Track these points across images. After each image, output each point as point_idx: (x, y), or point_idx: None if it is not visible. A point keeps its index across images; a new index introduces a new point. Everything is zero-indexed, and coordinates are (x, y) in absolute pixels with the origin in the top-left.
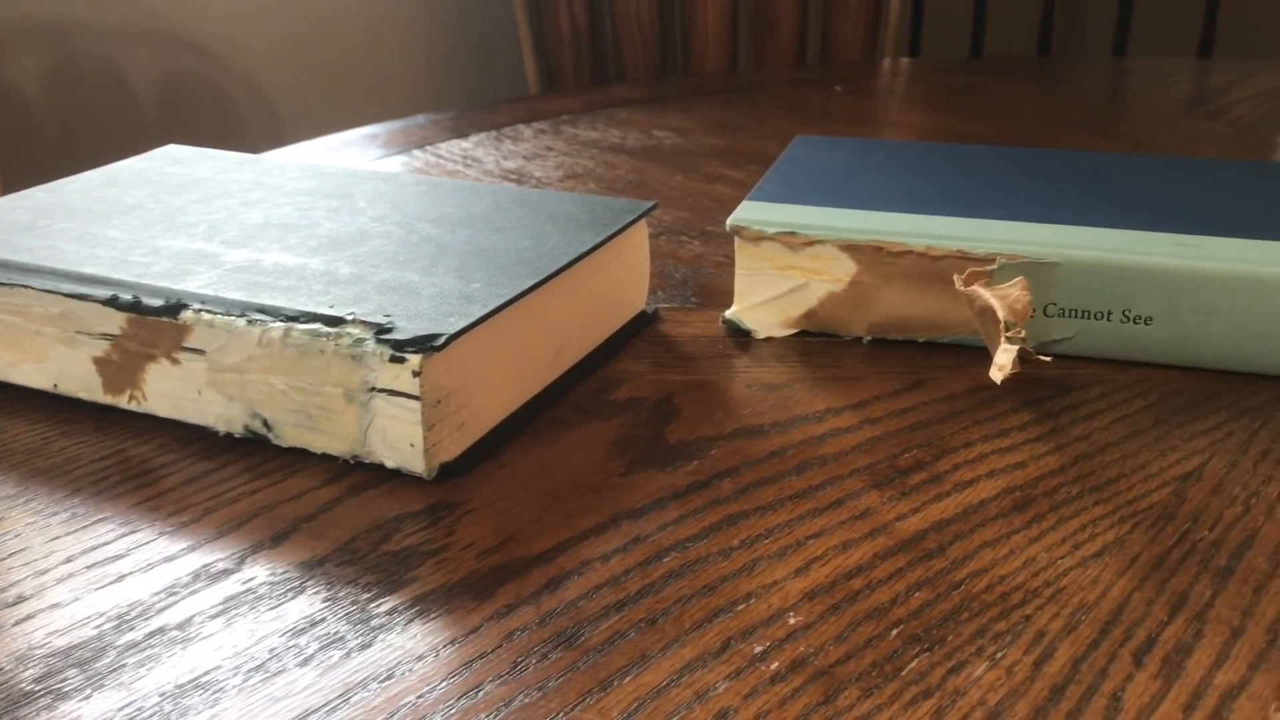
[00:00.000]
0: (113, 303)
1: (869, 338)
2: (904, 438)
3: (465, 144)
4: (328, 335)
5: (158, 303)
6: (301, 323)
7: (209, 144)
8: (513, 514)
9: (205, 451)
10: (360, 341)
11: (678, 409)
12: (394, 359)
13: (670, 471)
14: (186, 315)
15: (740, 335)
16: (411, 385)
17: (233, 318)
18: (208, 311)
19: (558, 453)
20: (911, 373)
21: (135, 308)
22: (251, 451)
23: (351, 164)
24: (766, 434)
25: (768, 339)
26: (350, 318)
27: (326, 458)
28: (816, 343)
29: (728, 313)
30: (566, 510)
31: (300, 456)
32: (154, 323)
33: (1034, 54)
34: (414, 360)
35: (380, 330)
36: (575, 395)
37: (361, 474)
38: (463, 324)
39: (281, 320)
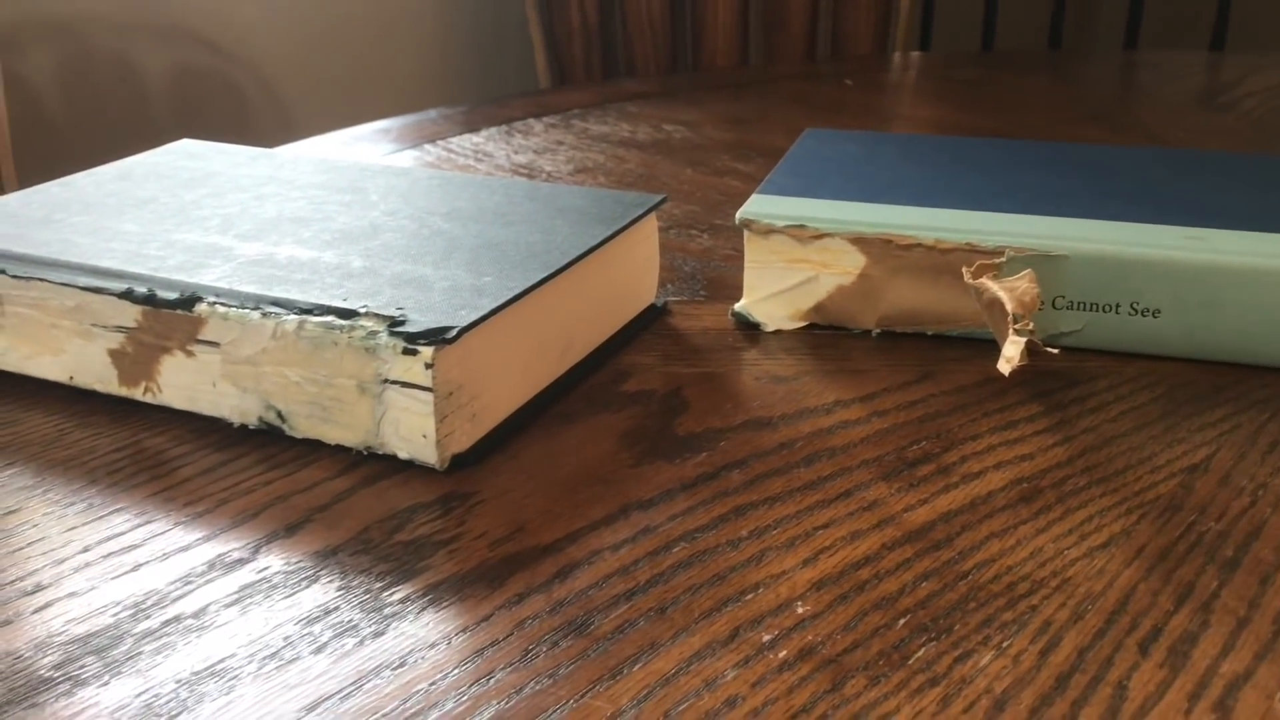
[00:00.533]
0: (128, 296)
1: (878, 330)
2: (912, 430)
3: (476, 138)
4: (341, 328)
5: (173, 296)
6: (315, 315)
7: (220, 138)
8: (524, 504)
9: (220, 443)
10: (373, 334)
11: (687, 401)
12: (406, 351)
13: (679, 463)
14: (201, 308)
15: (749, 328)
16: (424, 377)
17: (247, 310)
18: (222, 304)
19: (568, 444)
20: (920, 365)
21: (150, 301)
22: (265, 443)
23: (363, 159)
24: (775, 426)
25: (777, 332)
26: (363, 310)
27: (340, 449)
28: (825, 335)
29: (737, 306)
30: (576, 501)
31: (314, 447)
32: (169, 316)
33: (1045, 47)
34: (426, 352)
35: (393, 323)
36: (585, 388)
37: (374, 465)
38: (474, 317)
39: (295, 313)
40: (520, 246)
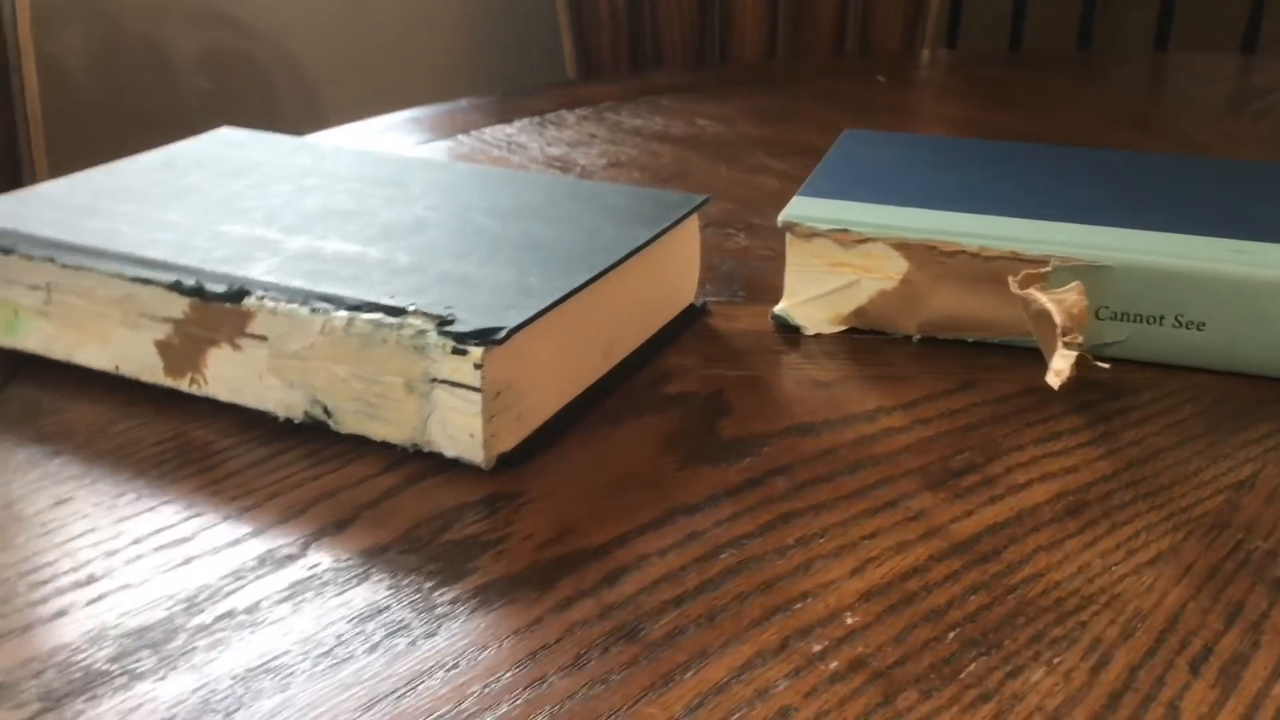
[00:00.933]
0: (176, 288)
1: (918, 336)
2: (956, 439)
3: (509, 129)
4: (390, 326)
5: (221, 289)
6: (364, 313)
7: (248, 122)
8: (570, 506)
9: (265, 436)
10: (422, 333)
11: (729, 405)
12: (455, 351)
13: (724, 468)
14: (249, 302)
15: (789, 331)
16: (473, 377)
17: (295, 306)
18: (271, 299)
19: (612, 446)
20: (962, 373)
21: (198, 293)
22: (311, 438)
23: (397, 148)
24: (818, 432)
25: (817, 335)
26: (413, 309)
27: (385, 445)
28: (866, 340)
29: (777, 308)
30: (622, 504)
31: (359, 444)
32: (217, 309)
33: (1074, 47)
34: (475, 353)
35: (442, 322)
36: (627, 389)
37: (420, 462)
38: (523, 317)
39: (344, 309)
40: (564, 246)
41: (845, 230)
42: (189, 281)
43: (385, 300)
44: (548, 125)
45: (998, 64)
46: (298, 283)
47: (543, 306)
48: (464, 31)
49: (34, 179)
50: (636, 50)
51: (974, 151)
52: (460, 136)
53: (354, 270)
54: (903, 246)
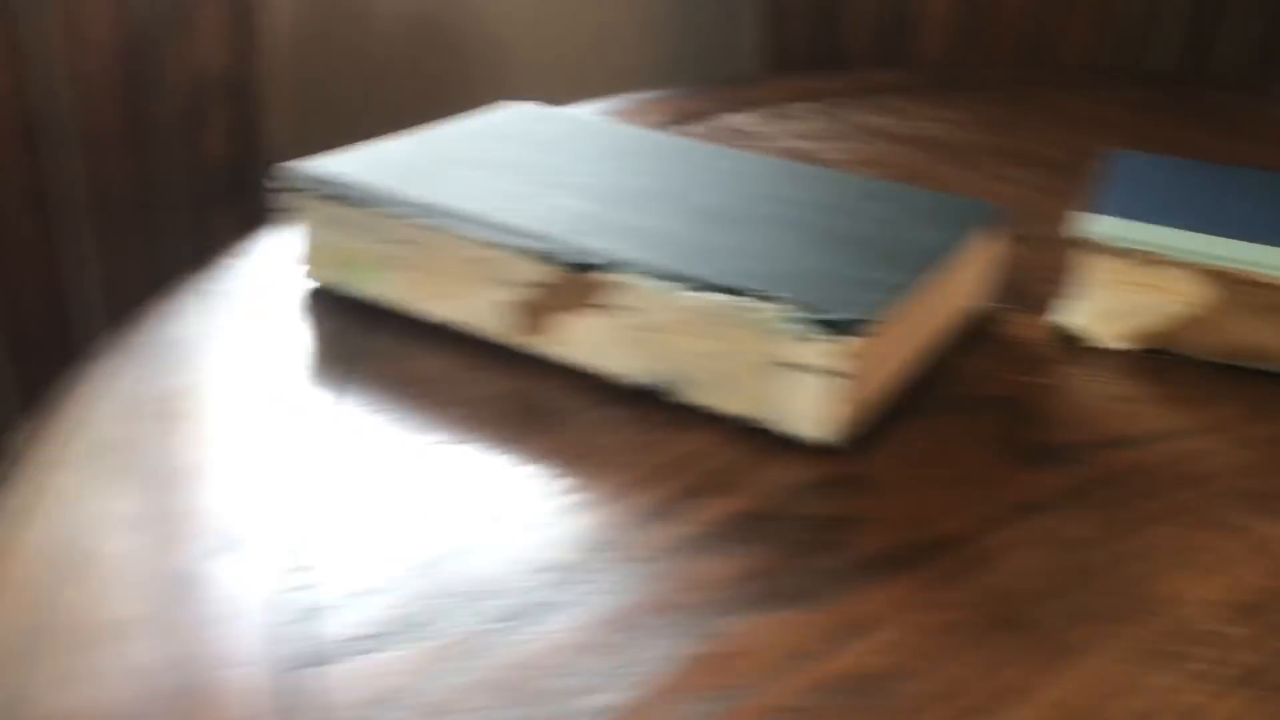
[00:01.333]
0: (537, 256)
1: (1211, 360)
2: (1272, 465)
3: (739, 119)
4: (752, 309)
5: (579, 259)
6: (725, 294)
7: (439, 91)
8: (914, 493)
9: (611, 399)
10: (783, 318)
11: (1036, 412)
12: (814, 338)
13: (1052, 472)
14: (608, 274)
15: (1079, 343)
16: (830, 363)
17: (654, 281)
18: (628, 274)
19: (935, 440)
20: (1260, 401)
21: (559, 262)
22: (655, 403)
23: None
24: (1133, 447)
25: (1106, 351)
26: (772, 294)
27: (728, 418)
28: (1159, 360)
29: (1069, 321)
30: (963, 496)
31: (699, 413)
32: (575, 278)
33: (1253, 68)
34: (837, 341)
35: (803, 309)
36: (933, 386)
37: (763, 437)
38: (882, 310)
39: (704, 290)
40: (886, 242)
41: (1151, 252)
42: (550, 250)
43: (741, 283)
44: (777, 117)
45: (1191, 82)
46: (654, 260)
47: (897, 299)
48: (650, 21)
49: (265, 133)
50: (818, 44)
51: (1252, 181)
52: (692, 124)
53: (700, 252)
54: (1208, 273)
